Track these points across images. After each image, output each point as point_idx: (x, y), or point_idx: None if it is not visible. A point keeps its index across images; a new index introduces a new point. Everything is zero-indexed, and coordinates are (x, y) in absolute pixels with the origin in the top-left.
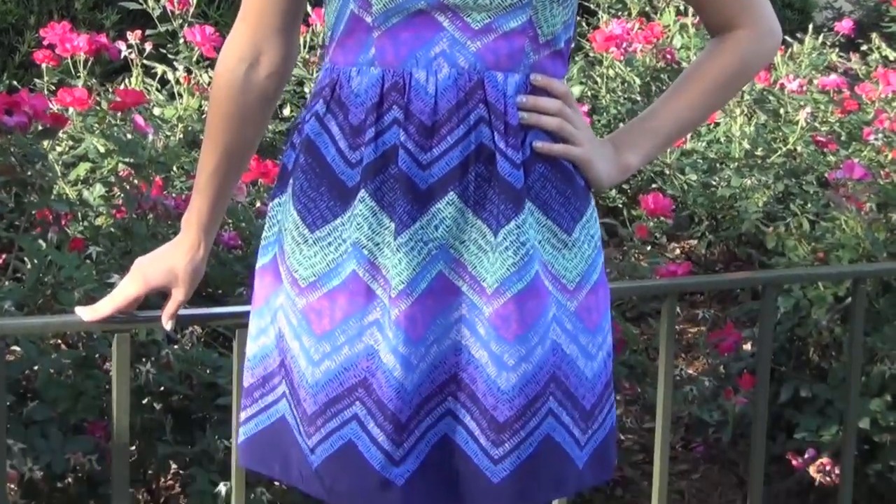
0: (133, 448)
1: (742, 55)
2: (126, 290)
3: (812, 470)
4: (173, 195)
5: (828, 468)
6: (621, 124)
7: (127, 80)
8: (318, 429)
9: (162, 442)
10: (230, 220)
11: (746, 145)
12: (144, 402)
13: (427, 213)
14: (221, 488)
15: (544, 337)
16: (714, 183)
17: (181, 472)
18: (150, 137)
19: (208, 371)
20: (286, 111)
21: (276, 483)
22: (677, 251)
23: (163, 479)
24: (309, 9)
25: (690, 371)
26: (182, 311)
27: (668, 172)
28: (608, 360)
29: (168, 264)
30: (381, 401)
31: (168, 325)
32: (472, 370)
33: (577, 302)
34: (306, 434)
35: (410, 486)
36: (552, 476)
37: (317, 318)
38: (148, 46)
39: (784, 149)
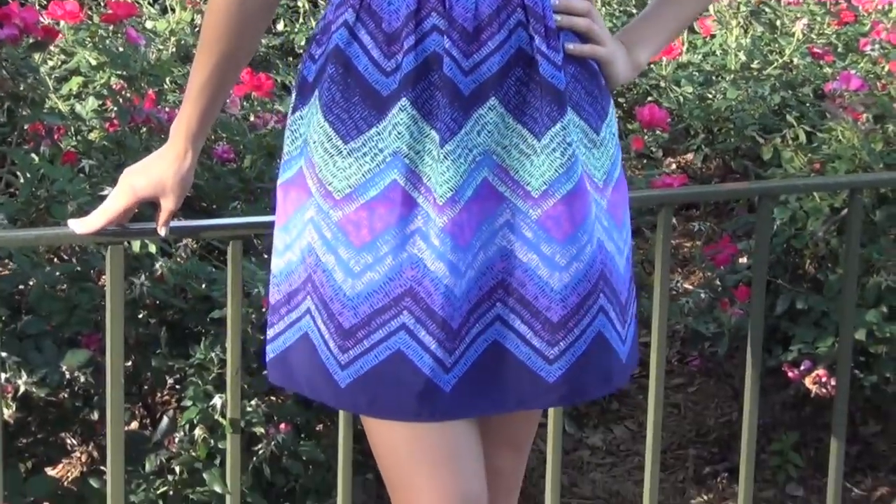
0: (128, 364)
1: None
2: (116, 201)
3: (808, 382)
4: (166, 109)
5: (823, 380)
6: None
7: None
8: (360, 341)
9: (157, 356)
10: (224, 134)
11: (742, 57)
12: (139, 316)
13: (470, 119)
14: (217, 401)
15: (592, 235)
16: (710, 95)
17: (177, 386)
18: (143, 49)
19: (203, 285)
20: (279, 26)
21: (272, 396)
22: (673, 166)
23: (159, 395)
24: None
25: (687, 285)
26: (175, 224)
27: (663, 85)
28: (630, 255)
29: (155, 174)
30: (430, 308)
31: (162, 231)
32: (521, 274)
33: (607, 199)
34: (340, 349)
35: (457, 392)
36: (602, 371)
37: (355, 230)
38: None
39: (780, 61)
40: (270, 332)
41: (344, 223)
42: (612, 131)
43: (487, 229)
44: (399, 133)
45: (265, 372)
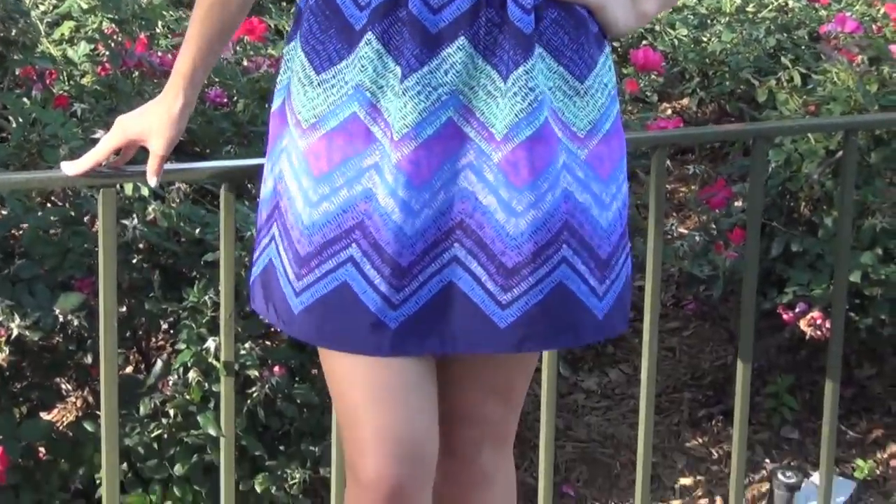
0: (122, 309)
1: None
2: (106, 142)
3: (803, 324)
4: (158, 53)
5: (818, 322)
6: None
7: None
8: (312, 270)
9: (150, 299)
10: (216, 79)
11: (738, 0)
12: (133, 261)
13: (437, 57)
14: (210, 344)
15: (555, 184)
16: (705, 39)
17: (171, 331)
18: None
19: (197, 229)
20: None
21: (266, 339)
22: (669, 111)
23: (153, 340)
24: None
25: (682, 229)
26: (167, 166)
27: (658, 28)
28: (623, 210)
29: (147, 117)
30: (377, 243)
31: (153, 180)
32: (480, 216)
33: (588, 150)
34: (295, 276)
35: (403, 329)
36: (565, 324)
37: (315, 160)
38: None
39: (775, 3)
40: (255, 255)
41: (307, 152)
42: (604, 82)
43: (449, 169)
44: (363, 66)
45: (259, 316)
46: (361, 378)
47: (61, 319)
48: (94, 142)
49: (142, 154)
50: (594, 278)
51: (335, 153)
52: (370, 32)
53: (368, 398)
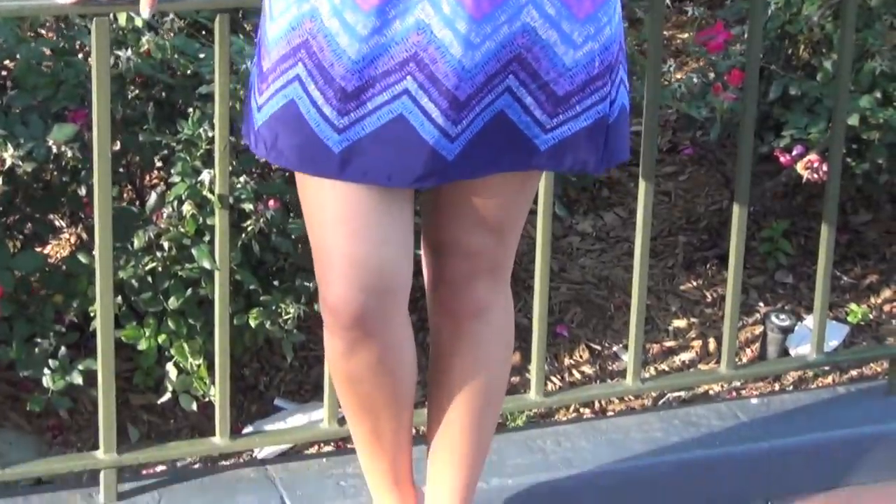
0: (115, 146)
1: None
2: None
3: (800, 167)
4: None
5: (815, 165)
6: None
7: None
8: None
9: (144, 131)
10: None
11: None
12: (127, 95)
13: None
14: (205, 176)
15: (514, 17)
16: None
17: (165, 166)
18: None
19: (191, 61)
20: None
21: (261, 172)
22: None
23: (147, 178)
24: None
25: (679, 75)
26: None
27: None
28: (603, 53)
29: None
30: (321, 64)
31: (145, 12)
32: (434, 50)
33: None
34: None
35: (347, 155)
36: (495, 150)
37: None
38: None
39: None
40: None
41: None
42: None
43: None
44: None
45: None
46: (331, 203)
47: (55, 151)
48: None
49: None
50: (542, 111)
51: None
52: None
53: (338, 225)
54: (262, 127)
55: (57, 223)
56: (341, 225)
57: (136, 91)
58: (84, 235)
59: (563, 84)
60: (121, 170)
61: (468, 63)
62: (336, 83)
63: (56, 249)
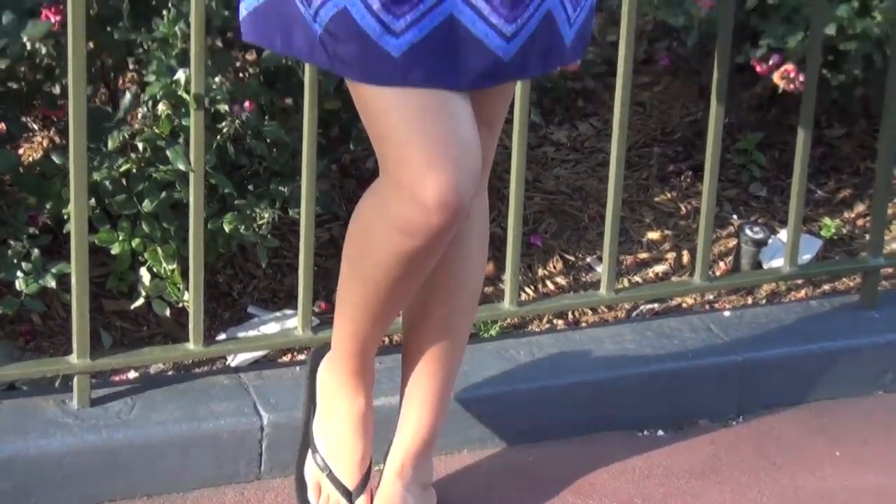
0: (90, 46)
1: None
2: None
3: (776, 77)
4: None
5: (791, 75)
6: None
7: None
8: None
9: (119, 28)
10: None
11: None
12: None
13: None
14: (180, 76)
15: None
16: None
17: (139, 66)
18: None
19: None
20: None
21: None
22: None
23: (122, 80)
24: None
25: None
26: None
27: None
28: None
29: None
30: None
31: None
32: None
33: None
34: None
35: (408, 58)
36: (542, 51)
37: None
38: None
39: None
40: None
41: None
42: None
43: None
44: None
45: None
46: (396, 104)
47: (29, 48)
48: None
49: None
50: (570, 5)
51: None
52: None
53: (411, 120)
54: (322, 36)
55: (30, 125)
56: (416, 118)
57: None
58: (57, 138)
59: None
60: (94, 69)
61: None
62: None
63: (28, 153)
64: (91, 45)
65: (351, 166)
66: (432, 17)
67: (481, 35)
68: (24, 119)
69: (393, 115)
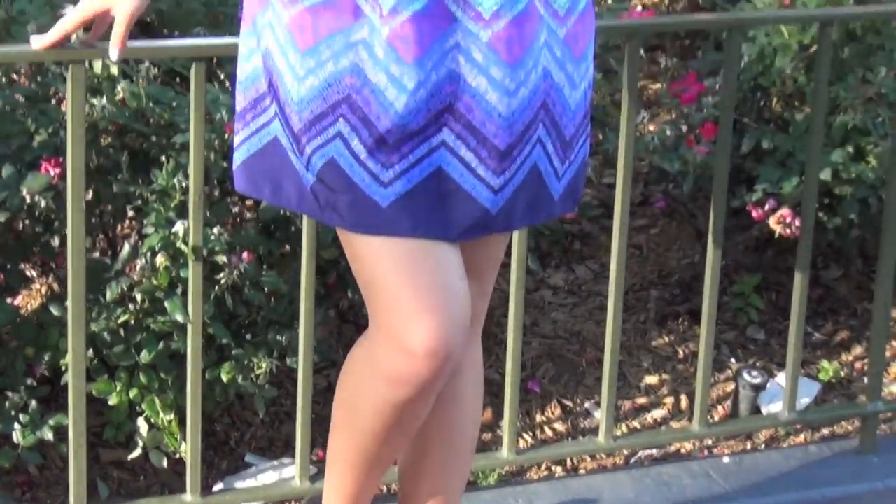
0: (89, 196)
1: None
2: (74, 13)
3: (772, 222)
4: None
5: (788, 220)
6: None
7: None
8: (303, 147)
9: (118, 181)
10: None
11: None
12: (101, 143)
13: None
14: (179, 227)
15: (538, 61)
16: None
17: (138, 216)
18: None
19: (166, 111)
20: None
21: (235, 223)
22: (639, 7)
23: (120, 226)
24: None
25: (651, 127)
26: (137, 43)
27: None
28: (589, 91)
29: None
30: (367, 118)
31: (114, 52)
32: (469, 99)
33: (567, 29)
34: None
35: (396, 209)
36: (529, 203)
37: (300, 33)
38: None
39: None
40: (236, 139)
41: (291, 25)
42: None
43: (438, 49)
44: None
45: (228, 200)
46: (386, 254)
47: (28, 200)
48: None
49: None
50: (558, 159)
51: (321, 27)
52: None
53: (401, 271)
54: (314, 185)
55: (28, 273)
56: (404, 267)
57: (110, 139)
58: (55, 286)
59: (569, 127)
60: (94, 219)
61: (505, 110)
62: (381, 136)
63: (27, 300)
64: (90, 191)
65: (349, 312)
66: (421, 168)
67: (469, 187)
68: (22, 265)
69: (381, 263)
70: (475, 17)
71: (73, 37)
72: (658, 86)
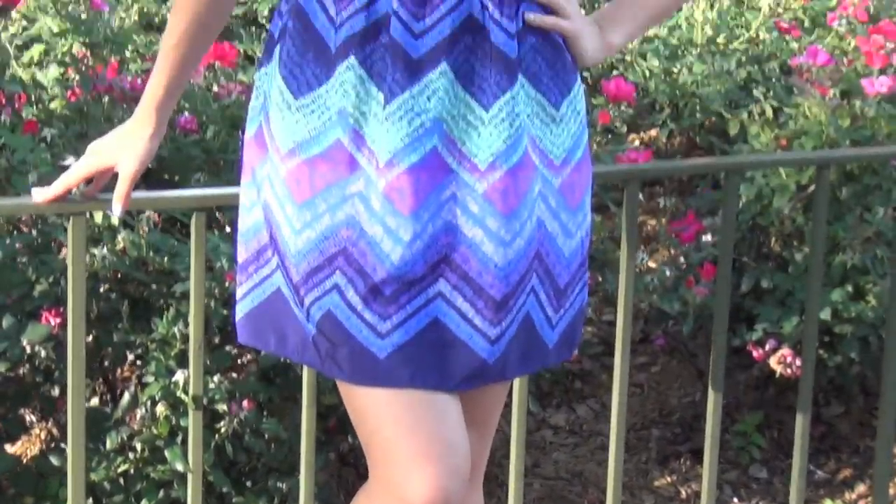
0: (89, 340)
1: None
2: (77, 168)
3: (773, 362)
4: (128, 77)
5: (788, 360)
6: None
7: None
8: (302, 299)
9: (118, 330)
10: (186, 104)
11: (709, 31)
12: (101, 290)
13: (419, 82)
14: (179, 377)
15: (532, 211)
16: (675, 70)
17: (138, 362)
18: (106, 15)
19: (166, 259)
20: None
21: (235, 372)
22: (636, 143)
23: (120, 371)
24: None
25: (651, 263)
26: (137, 194)
27: (629, 59)
28: (585, 239)
29: (117, 141)
30: (363, 270)
31: (117, 208)
32: (465, 249)
33: (562, 179)
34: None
35: (393, 360)
36: (522, 353)
37: (297, 186)
38: None
39: (747, 35)
40: (239, 292)
41: (287, 179)
42: (576, 109)
43: (434, 201)
44: (345, 91)
45: (228, 347)
46: (385, 404)
47: (28, 350)
48: (64, 168)
49: (114, 182)
50: (551, 307)
51: (318, 179)
52: (352, 57)
53: (399, 422)
54: (315, 337)
55: (28, 418)
56: (402, 417)
57: (110, 287)
58: (55, 431)
59: (563, 276)
60: (94, 365)
61: (501, 261)
62: (377, 288)
63: (26, 446)
64: (90, 338)
65: (350, 455)
66: (418, 318)
67: (466, 338)
68: (22, 410)
69: (379, 413)
70: (471, 169)
71: (75, 189)
72: (655, 222)
